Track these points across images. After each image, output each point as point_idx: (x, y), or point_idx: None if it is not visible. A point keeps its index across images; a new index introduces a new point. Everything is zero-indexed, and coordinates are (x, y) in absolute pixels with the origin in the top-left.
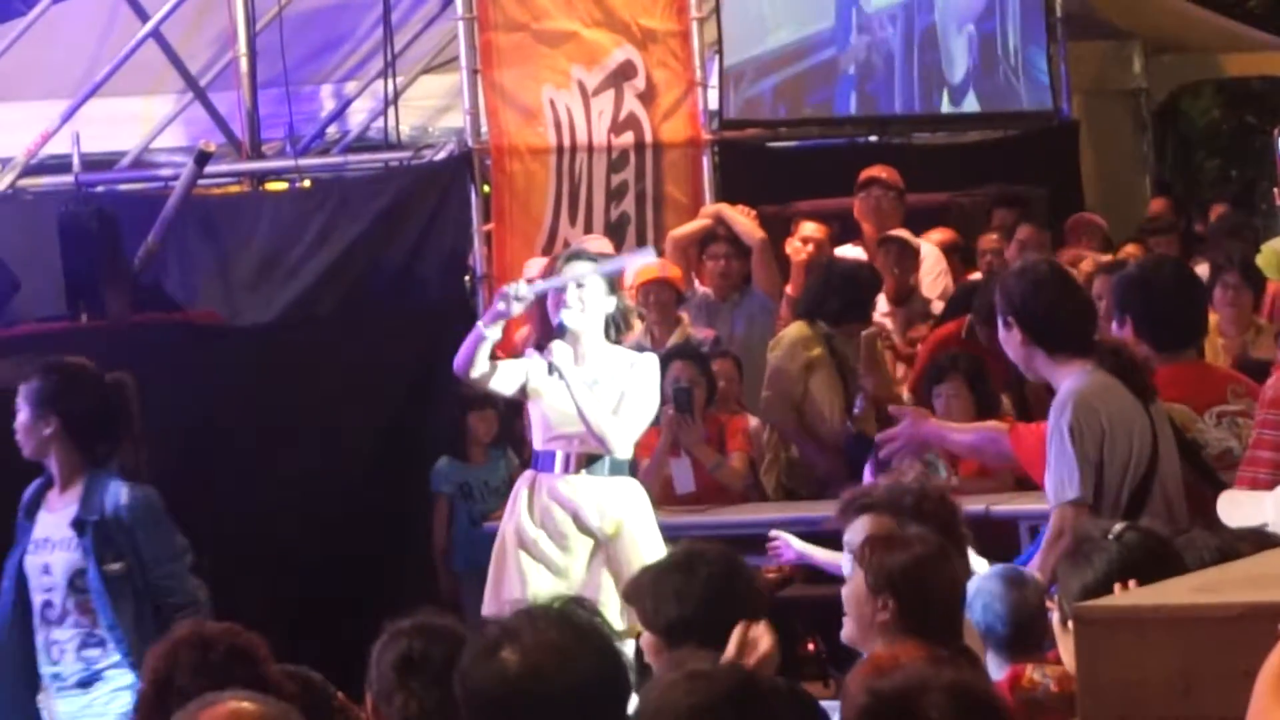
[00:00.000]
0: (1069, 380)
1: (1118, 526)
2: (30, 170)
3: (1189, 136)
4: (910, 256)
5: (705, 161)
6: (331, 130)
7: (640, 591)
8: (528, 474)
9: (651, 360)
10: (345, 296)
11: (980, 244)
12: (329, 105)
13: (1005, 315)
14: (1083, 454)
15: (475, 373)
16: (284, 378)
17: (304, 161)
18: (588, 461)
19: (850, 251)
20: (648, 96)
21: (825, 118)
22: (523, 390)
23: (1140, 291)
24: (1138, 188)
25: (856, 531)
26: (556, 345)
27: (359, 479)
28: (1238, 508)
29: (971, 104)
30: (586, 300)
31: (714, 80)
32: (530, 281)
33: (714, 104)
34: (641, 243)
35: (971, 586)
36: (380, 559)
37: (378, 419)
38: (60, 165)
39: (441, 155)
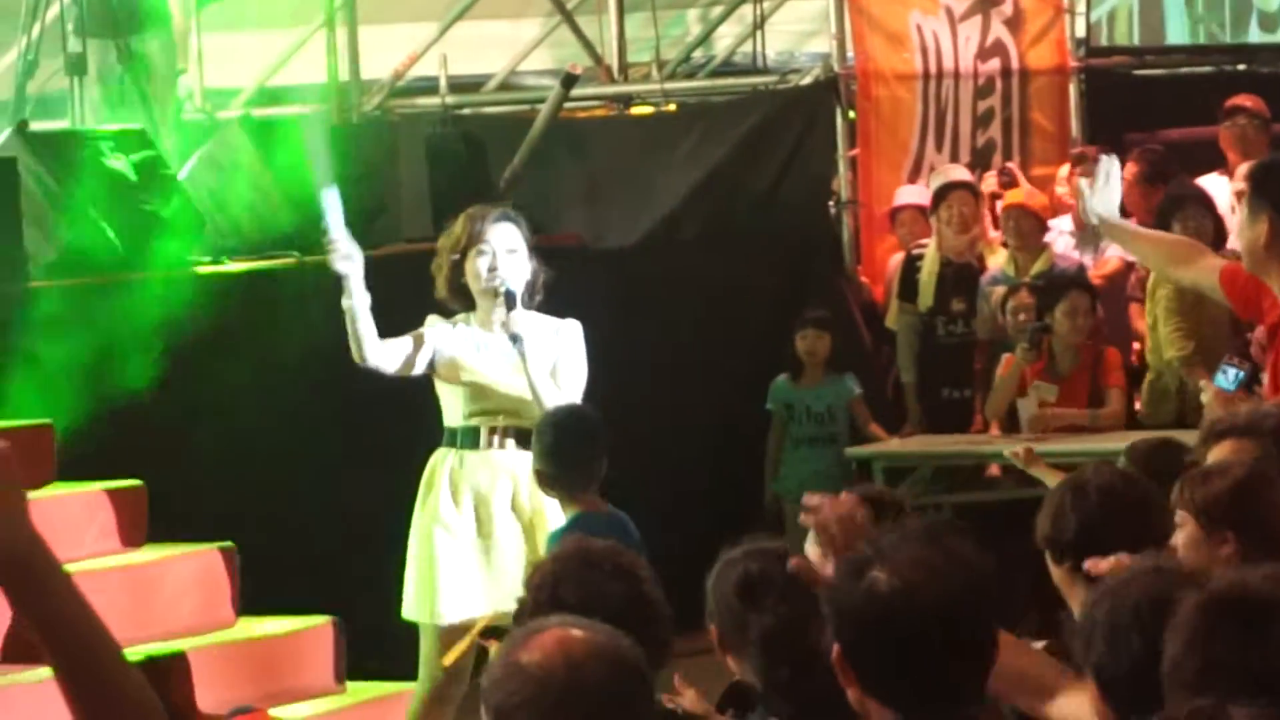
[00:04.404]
0: None
1: None
2: (398, 92)
3: None
4: None
5: (1072, 89)
6: (697, 54)
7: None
8: (447, 453)
9: (575, 327)
10: (708, 220)
11: None
12: (695, 29)
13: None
14: None
15: (370, 358)
16: (646, 300)
17: (670, 85)
18: (515, 435)
19: (1215, 181)
20: (1015, 23)
21: (1192, 46)
22: (430, 366)
23: None
24: None
25: (1215, 457)
26: (499, 314)
27: (719, 399)
28: None
29: None
30: (518, 265)
31: (1081, 7)
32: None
33: (1080, 31)
34: None
35: None
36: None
37: (739, 342)
38: (427, 88)
39: (808, 80)
